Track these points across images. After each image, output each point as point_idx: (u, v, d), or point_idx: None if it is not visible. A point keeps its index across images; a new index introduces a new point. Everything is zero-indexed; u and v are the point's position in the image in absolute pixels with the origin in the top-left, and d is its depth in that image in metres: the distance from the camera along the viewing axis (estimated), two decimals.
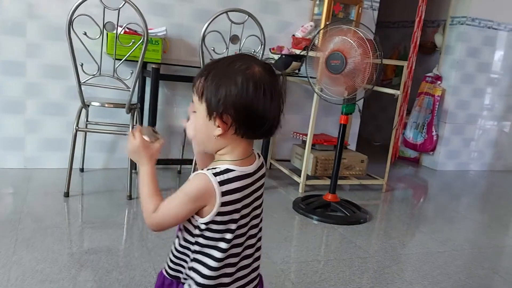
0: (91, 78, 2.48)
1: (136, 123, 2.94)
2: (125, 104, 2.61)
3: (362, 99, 3.88)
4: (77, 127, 2.56)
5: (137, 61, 2.50)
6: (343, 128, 2.82)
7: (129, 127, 2.61)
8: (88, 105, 2.65)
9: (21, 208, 2.34)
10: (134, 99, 2.97)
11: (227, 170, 0.94)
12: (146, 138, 1.02)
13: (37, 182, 2.78)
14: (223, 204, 0.93)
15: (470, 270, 2.22)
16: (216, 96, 0.91)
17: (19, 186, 2.67)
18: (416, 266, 2.19)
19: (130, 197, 2.63)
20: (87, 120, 2.93)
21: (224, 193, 0.92)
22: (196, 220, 0.96)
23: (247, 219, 0.99)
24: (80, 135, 2.98)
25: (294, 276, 1.94)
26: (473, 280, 2.11)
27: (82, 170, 3.06)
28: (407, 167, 4.40)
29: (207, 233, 0.96)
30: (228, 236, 0.96)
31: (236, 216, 0.96)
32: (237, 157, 0.96)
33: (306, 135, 3.19)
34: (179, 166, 3.32)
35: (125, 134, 2.63)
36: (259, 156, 1.04)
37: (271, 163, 3.73)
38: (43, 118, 2.97)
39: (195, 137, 0.99)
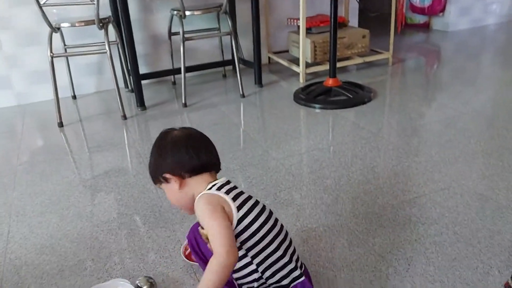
0: None
1: (115, 39, 2.77)
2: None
3: None
4: (51, 54, 2.43)
5: None
6: (335, 3, 2.55)
7: (105, 44, 2.44)
8: (59, 28, 2.47)
9: (18, 145, 2.33)
10: (107, 13, 2.77)
11: (212, 186, 1.05)
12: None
13: (32, 116, 2.74)
14: (234, 199, 1.02)
15: (483, 132, 2.11)
16: (155, 167, 1.10)
17: (14, 124, 2.65)
18: (423, 137, 2.10)
19: (125, 117, 2.57)
20: (65, 45, 2.78)
21: (227, 192, 1.03)
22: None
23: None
24: (62, 61, 2.86)
25: (294, 168, 1.89)
26: (486, 141, 2.01)
27: (74, 97, 2.99)
28: (417, 34, 4.11)
29: (246, 245, 1.02)
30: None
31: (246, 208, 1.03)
32: (208, 183, 1.07)
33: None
34: (172, 76, 3.20)
35: (105, 52, 2.48)
36: None
37: (269, 57, 3.53)
38: (20, 50, 2.84)
39: (180, 206, 1.13)
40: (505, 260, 1.27)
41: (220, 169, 1.14)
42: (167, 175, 1.07)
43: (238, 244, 1.00)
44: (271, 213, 1.09)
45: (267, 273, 1.04)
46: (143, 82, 2.72)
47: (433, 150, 1.97)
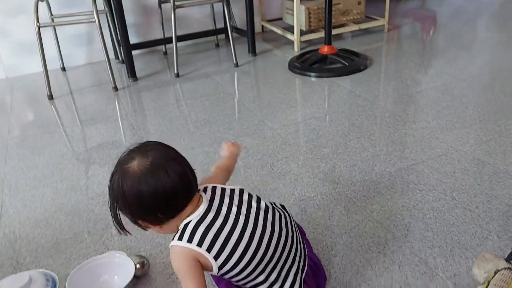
0: None
1: (104, 8, 2.68)
2: None
3: None
4: (38, 24, 2.34)
5: None
6: None
7: (93, 14, 2.36)
8: None
9: (8, 119, 2.28)
10: None
11: (185, 226, 0.90)
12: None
13: (21, 89, 2.67)
14: (208, 249, 0.88)
15: (480, 97, 2.09)
16: (126, 215, 0.90)
17: (3, 98, 2.58)
18: (420, 104, 2.08)
19: (116, 88, 2.51)
20: (51, 14, 2.69)
21: (199, 243, 0.88)
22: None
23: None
24: (50, 32, 2.77)
25: (291, 137, 1.87)
26: (483, 107, 1.99)
27: (63, 69, 2.91)
28: (413, 0, 4.02)
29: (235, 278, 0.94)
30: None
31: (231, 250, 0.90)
32: (187, 216, 0.91)
33: None
34: (163, 46, 3.12)
35: (93, 22, 2.40)
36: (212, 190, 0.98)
37: (262, 25, 3.45)
38: (6, 21, 2.74)
39: (162, 233, 0.99)
40: (503, 224, 1.27)
41: (198, 189, 0.94)
42: (141, 223, 0.91)
43: (227, 277, 0.93)
44: (264, 229, 0.94)
45: None
46: (133, 52, 2.65)
47: (430, 116, 1.95)
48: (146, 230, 0.94)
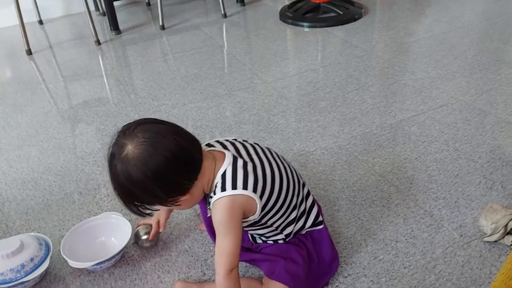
0: None
1: None
2: None
3: None
4: None
5: None
6: None
7: None
8: None
9: None
10: None
11: (223, 176, 0.85)
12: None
13: None
14: (254, 189, 0.85)
15: (479, 46, 2.02)
16: (149, 202, 0.85)
17: None
18: (419, 54, 2.01)
19: (98, 42, 2.37)
20: None
21: (244, 186, 0.84)
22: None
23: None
24: None
25: (287, 91, 1.80)
26: (482, 55, 1.93)
27: (41, 22, 2.74)
28: None
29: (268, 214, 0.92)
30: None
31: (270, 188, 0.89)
32: (213, 167, 0.86)
33: None
34: None
35: None
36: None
37: None
38: None
39: (192, 204, 0.91)
40: (507, 174, 1.25)
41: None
42: (170, 201, 0.84)
43: (264, 220, 0.91)
44: (283, 164, 0.95)
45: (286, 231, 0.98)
46: (115, 3, 2.49)
47: (430, 66, 1.89)
48: (179, 205, 0.87)
